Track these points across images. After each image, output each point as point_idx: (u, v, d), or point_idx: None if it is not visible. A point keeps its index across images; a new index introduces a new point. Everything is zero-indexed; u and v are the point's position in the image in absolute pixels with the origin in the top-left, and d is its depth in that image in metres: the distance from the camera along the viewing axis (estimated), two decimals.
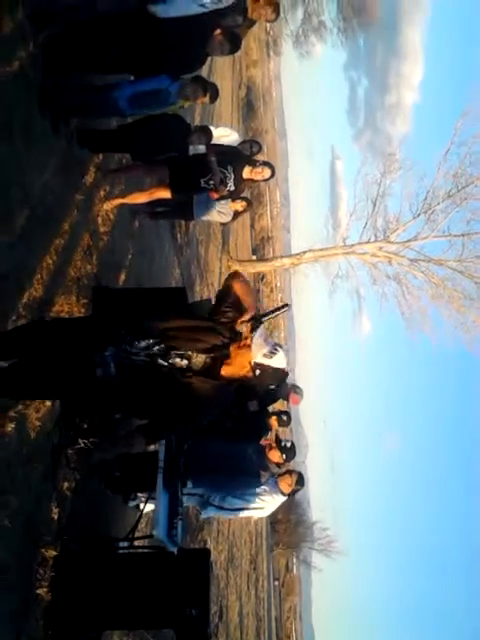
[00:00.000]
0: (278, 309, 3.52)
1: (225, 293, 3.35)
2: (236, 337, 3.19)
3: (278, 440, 5.32)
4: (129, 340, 3.06)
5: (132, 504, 5.06)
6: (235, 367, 3.16)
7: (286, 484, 5.37)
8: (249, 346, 3.16)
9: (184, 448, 4.63)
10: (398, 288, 18.31)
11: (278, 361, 3.25)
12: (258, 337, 3.20)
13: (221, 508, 5.26)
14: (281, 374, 3.27)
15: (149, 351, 3.07)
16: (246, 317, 3.24)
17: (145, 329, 3.11)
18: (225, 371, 3.15)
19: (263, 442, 5.63)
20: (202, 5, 4.22)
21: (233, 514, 5.37)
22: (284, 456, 5.32)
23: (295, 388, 6.18)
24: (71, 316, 4.40)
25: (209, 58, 5.17)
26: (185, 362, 3.06)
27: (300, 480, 5.47)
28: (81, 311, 4.66)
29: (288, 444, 5.32)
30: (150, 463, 5.13)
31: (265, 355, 3.20)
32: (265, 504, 5.38)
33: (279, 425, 5.40)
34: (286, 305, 3.60)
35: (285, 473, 5.45)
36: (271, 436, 5.61)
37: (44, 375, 3.07)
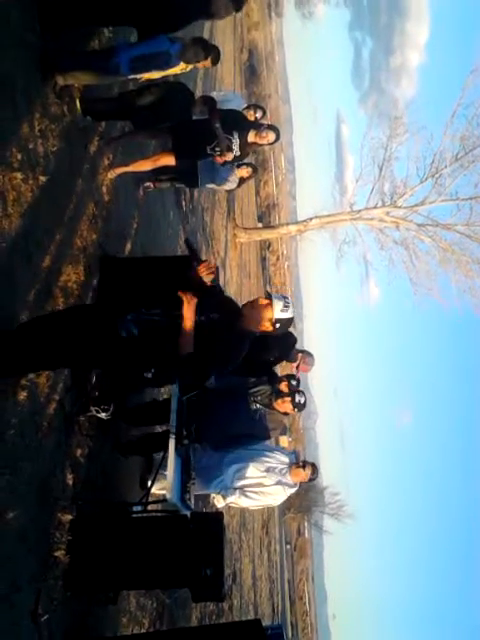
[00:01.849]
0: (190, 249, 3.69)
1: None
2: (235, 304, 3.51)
3: (293, 394, 5.33)
4: (145, 310, 3.33)
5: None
6: (257, 322, 3.41)
7: (300, 477, 5.44)
8: (265, 305, 3.39)
9: (194, 412, 4.67)
10: (406, 253, 18.23)
11: (291, 313, 3.45)
12: (275, 299, 3.41)
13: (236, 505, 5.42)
14: (291, 322, 3.63)
15: (166, 313, 3.32)
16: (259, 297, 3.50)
17: (158, 301, 3.34)
18: (247, 326, 3.41)
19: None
20: None
21: (248, 500, 5.43)
22: (295, 410, 5.37)
23: (306, 354, 6.18)
24: (80, 288, 4.42)
25: (211, 19, 5.05)
26: (203, 317, 3.30)
27: (314, 471, 5.53)
28: (89, 281, 4.68)
29: (302, 400, 5.34)
30: (157, 416, 5.24)
31: (282, 310, 3.40)
32: (276, 500, 5.57)
33: (289, 390, 5.42)
34: (187, 239, 3.81)
35: (299, 465, 5.49)
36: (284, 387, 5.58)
37: (65, 343, 3.16)
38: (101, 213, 5.16)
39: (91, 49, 4.88)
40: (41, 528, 3.47)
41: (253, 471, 5.35)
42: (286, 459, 5.53)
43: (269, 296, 3.43)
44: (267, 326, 3.41)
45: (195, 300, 3.25)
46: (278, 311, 3.38)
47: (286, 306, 3.42)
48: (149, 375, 3.32)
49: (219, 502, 5.43)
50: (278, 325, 3.41)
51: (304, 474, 5.44)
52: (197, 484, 4.84)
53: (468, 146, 16.68)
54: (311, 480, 5.60)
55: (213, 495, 5.49)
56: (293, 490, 5.52)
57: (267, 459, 5.47)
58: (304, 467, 5.45)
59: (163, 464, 4.44)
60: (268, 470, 5.39)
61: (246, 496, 5.34)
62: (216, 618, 7.79)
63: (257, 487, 5.37)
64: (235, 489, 5.32)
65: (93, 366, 4.07)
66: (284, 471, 5.43)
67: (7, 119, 3.61)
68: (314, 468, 5.54)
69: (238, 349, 3.43)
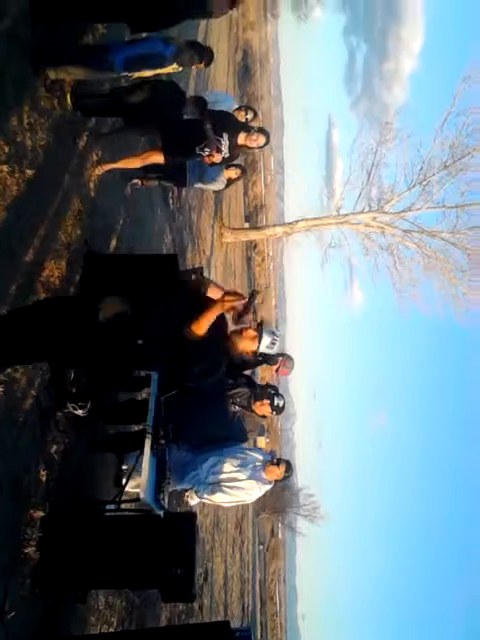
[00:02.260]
0: (251, 297, 3.66)
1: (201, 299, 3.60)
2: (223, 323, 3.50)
3: (271, 396, 5.34)
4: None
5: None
6: (239, 351, 3.57)
7: (274, 474, 5.43)
8: (253, 337, 3.53)
9: (171, 412, 4.66)
10: (390, 259, 18.30)
11: (276, 348, 3.48)
12: (265, 335, 3.53)
13: (210, 501, 5.39)
14: (272, 356, 3.65)
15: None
16: (251, 328, 3.64)
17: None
18: (228, 350, 3.51)
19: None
20: None
21: (223, 495, 5.43)
22: (274, 413, 5.38)
23: (286, 358, 6.19)
24: (62, 284, 4.40)
25: (206, 18, 5.05)
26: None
27: (288, 469, 5.51)
28: (72, 277, 4.65)
29: (281, 403, 5.35)
30: (134, 415, 5.21)
31: (268, 346, 3.42)
32: (251, 496, 5.50)
33: (273, 411, 5.42)
34: (253, 291, 3.80)
35: (273, 463, 5.50)
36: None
37: (44, 334, 3.14)
38: (87, 209, 5.14)
39: (85, 44, 4.85)
40: (12, 524, 3.44)
41: (228, 466, 5.33)
42: (261, 456, 5.54)
43: (260, 330, 3.44)
44: (248, 354, 3.45)
45: (227, 309, 3.26)
46: (264, 347, 3.42)
47: (273, 343, 3.46)
48: (140, 342, 3.32)
49: (192, 499, 5.42)
50: (260, 357, 3.46)
51: (278, 471, 5.43)
52: (171, 480, 4.83)
53: (457, 154, 16.79)
54: (285, 478, 5.59)
55: (187, 493, 5.47)
56: (268, 487, 5.51)
57: (242, 455, 5.49)
58: (278, 464, 5.46)
59: (138, 463, 4.43)
60: (242, 465, 5.39)
61: (221, 491, 5.31)
62: (186, 618, 7.79)
63: (231, 482, 5.35)
64: (209, 484, 5.30)
65: (73, 356, 3.97)
66: (258, 467, 5.44)
67: None
68: (288, 466, 5.54)
69: (217, 371, 3.45)
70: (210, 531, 12.04)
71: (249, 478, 5.36)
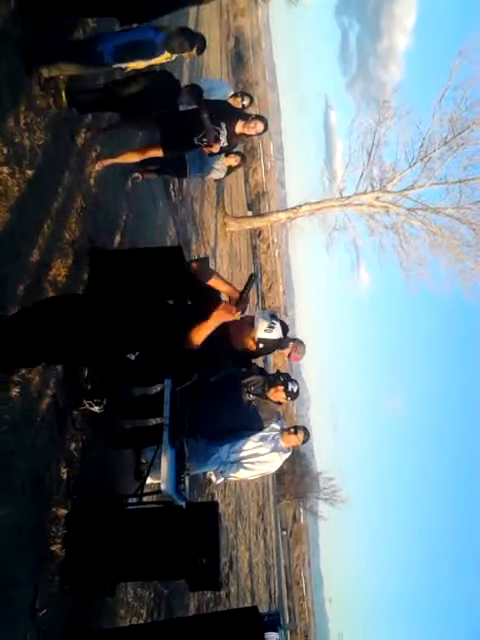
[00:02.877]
0: (249, 283, 3.59)
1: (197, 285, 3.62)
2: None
3: (285, 382, 5.36)
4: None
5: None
6: (241, 343, 3.45)
7: (292, 441, 5.47)
8: (248, 325, 3.41)
9: (187, 403, 4.67)
10: (396, 238, 18.23)
11: (276, 333, 3.44)
12: (258, 316, 3.45)
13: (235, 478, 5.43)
14: (278, 342, 3.58)
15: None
16: (234, 301, 3.40)
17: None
18: (229, 345, 3.44)
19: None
20: None
21: (246, 471, 5.46)
22: (288, 398, 5.40)
23: (297, 343, 6.17)
24: (70, 282, 4.40)
25: (195, 5, 5.01)
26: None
27: (306, 433, 5.58)
28: (79, 274, 4.66)
29: (295, 388, 5.37)
30: (150, 409, 5.23)
31: (266, 330, 3.44)
32: (273, 467, 5.59)
33: (288, 397, 5.42)
34: (252, 275, 3.70)
35: (290, 430, 5.52)
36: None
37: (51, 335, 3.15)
38: (89, 206, 5.13)
39: (75, 39, 4.82)
40: (36, 523, 3.47)
41: (248, 443, 5.37)
42: (277, 426, 5.57)
43: (250, 318, 3.43)
44: (251, 345, 3.42)
45: (234, 317, 3.24)
46: (262, 332, 3.38)
47: (271, 327, 3.42)
48: (132, 357, 3.32)
49: (217, 478, 5.46)
50: (262, 345, 3.42)
51: (296, 438, 5.49)
52: (192, 465, 4.85)
53: (457, 129, 16.65)
54: (303, 443, 5.65)
55: (210, 472, 5.51)
56: (287, 455, 5.57)
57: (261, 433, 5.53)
58: (296, 432, 5.51)
59: (157, 456, 4.45)
60: (262, 439, 5.42)
61: (244, 468, 5.36)
62: (214, 606, 7.85)
63: (254, 457, 5.39)
64: (232, 463, 5.33)
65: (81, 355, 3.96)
66: (277, 437, 5.47)
67: None
68: (305, 431, 5.60)
69: (219, 369, 3.46)
70: (232, 519, 12.11)
71: (271, 451, 5.41)
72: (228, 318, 3.22)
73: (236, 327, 3.40)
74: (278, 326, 3.53)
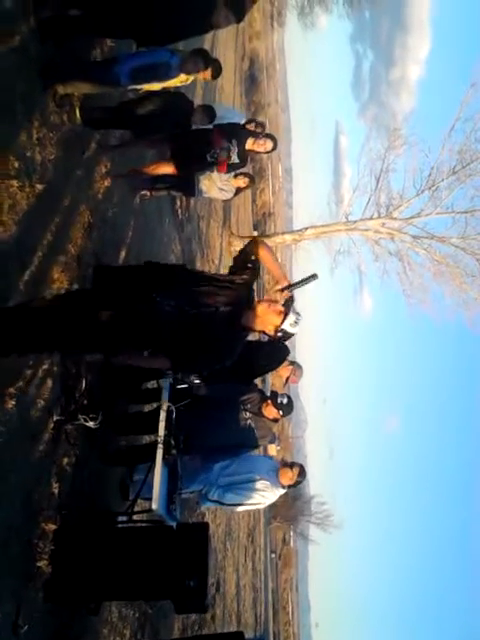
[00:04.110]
0: (307, 279, 3.64)
1: (245, 257, 3.61)
2: (251, 295, 3.49)
3: (274, 396, 5.33)
4: (159, 300, 3.28)
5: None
6: (262, 324, 3.43)
7: (287, 477, 5.38)
8: (280, 312, 3.39)
9: (183, 422, 4.65)
10: (400, 265, 18.26)
11: (297, 329, 3.49)
12: (291, 313, 3.43)
13: (220, 503, 5.31)
14: (290, 337, 3.66)
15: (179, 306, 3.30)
16: (280, 285, 3.54)
17: (172, 290, 3.33)
18: (250, 323, 3.42)
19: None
20: None
21: (232, 508, 5.39)
22: (280, 412, 5.35)
23: (296, 366, 6.18)
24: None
25: (212, 31, 5.08)
26: (211, 310, 3.32)
27: (302, 473, 5.45)
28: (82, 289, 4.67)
29: (284, 400, 5.32)
30: (146, 426, 5.20)
31: (291, 324, 3.43)
32: (264, 499, 5.41)
33: (279, 410, 5.39)
34: (314, 275, 3.70)
35: (287, 465, 5.47)
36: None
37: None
38: (96, 221, 5.16)
39: (92, 59, 4.88)
40: (24, 538, 3.45)
41: (240, 467, 5.30)
42: (273, 462, 5.52)
43: (287, 305, 3.44)
44: (270, 330, 3.43)
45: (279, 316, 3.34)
46: (287, 324, 3.41)
47: (297, 322, 3.45)
48: (146, 354, 3.33)
49: (199, 502, 5.39)
50: (280, 334, 3.43)
51: (291, 474, 5.39)
52: (183, 484, 4.82)
53: (465, 160, 16.75)
54: (298, 483, 5.54)
55: (194, 495, 5.43)
56: (281, 491, 5.46)
57: (254, 459, 5.47)
58: (291, 467, 5.43)
59: (150, 474, 4.43)
60: (255, 467, 5.36)
61: (231, 492, 5.24)
62: (198, 628, 7.76)
63: (244, 483, 5.32)
64: (220, 486, 5.24)
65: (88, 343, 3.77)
66: (272, 470, 5.41)
67: (6, 127, 3.62)
68: (302, 469, 5.49)
69: (235, 343, 3.45)
70: (222, 540, 12.01)
71: (262, 479, 5.33)
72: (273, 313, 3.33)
73: (267, 308, 3.40)
74: (299, 323, 3.54)
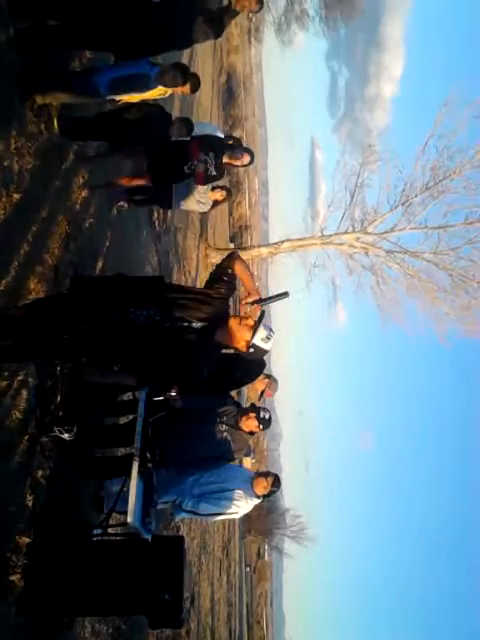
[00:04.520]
0: (278, 296, 3.67)
1: (222, 271, 3.64)
2: (226, 310, 3.54)
3: (257, 410, 5.33)
4: (132, 310, 3.30)
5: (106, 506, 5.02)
6: (233, 339, 3.45)
7: (262, 486, 5.37)
8: (251, 326, 3.41)
9: (159, 435, 4.62)
10: (374, 279, 18.43)
11: (270, 345, 3.51)
12: (262, 328, 3.45)
13: (194, 513, 5.28)
14: (264, 353, 3.66)
15: (151, 317, 3.32)
16: (251, 299, 3.59)
17: (146, 300, 3.35)
18: (223, 339, 3.46)
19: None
20: None
21: (206, 519, 5.37)
22: (260, 426, 5.34)
23: (271, 380, 6.18)
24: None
25: (191, 46, 5.12)
26: (185, 324, 3.35)
27: (276, 482, 5.44)
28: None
29: (267, 415, 5.33)
30: (121, 438, 5.16)
31: (263, 340, 3.44)
32: (239, 508, 5.37)
33: (260, 424, 5.39)
34: (285, 293, 3.73)
35: (261, 475, 5.47)
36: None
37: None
38: (73, 231, 5.14)
39: (71, 69, 4.89)
40: None
41: (214, 477, 5.28)
42: (247, 472, 5.50)
43: (258, 320, 3.46)
44: (242, 346, 3.44)
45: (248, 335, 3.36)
46: (258, 339, 3.41)
47: (268, 338, 3.46)
48: (116, 368, 3.33)
49: (174, 514, 5.35)
50: (252, 349, 3.44)
51: (266, 483, 5.36)
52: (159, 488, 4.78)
53: (438, 176, 17.02)
54: (272, 492, 5.51)
55: (170, 504, 5.39)
56: (256, 501, 5.42)
57: (228, 469, 5.45)
58: (266, 477, 5.41)
59: (125, 487, 4.39)
60: (229, 476, 5.34)
61: (206, 501, 5.19)
62: None
63: (218, 492, 5.29)
64: (194, 496, 5.20)
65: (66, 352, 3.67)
66: (248, 481, 5.38)
67: None
68: (276, 479, 5.46)
69: (206, 360, 3.47)
70: (196, 554, 11.92)
71: (236, 488, 5.30)
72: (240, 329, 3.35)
73: (239, 324, 3.42)
74: (273, 340, 3.56)
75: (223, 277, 3.60)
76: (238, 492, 5.29)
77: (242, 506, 5.36)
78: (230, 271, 3.62)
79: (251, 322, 3.41)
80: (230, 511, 5.36)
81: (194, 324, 3.37)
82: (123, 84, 4.68)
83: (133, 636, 5.72)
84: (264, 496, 5.47)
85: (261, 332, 3.41)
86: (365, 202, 18.48)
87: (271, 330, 3.52)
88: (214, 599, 14.84)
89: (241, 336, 3.41)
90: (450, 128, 16.94)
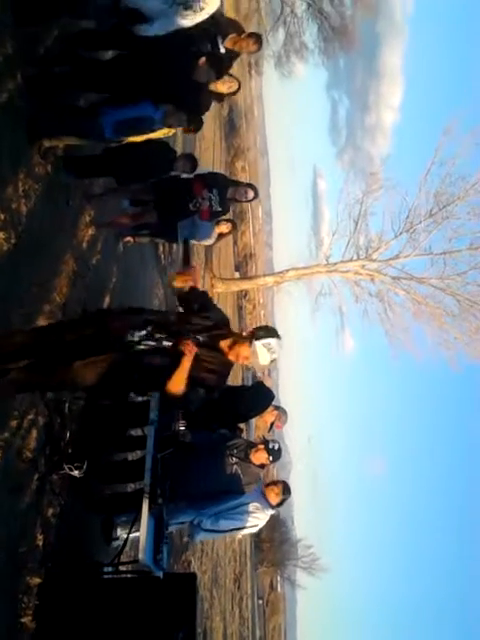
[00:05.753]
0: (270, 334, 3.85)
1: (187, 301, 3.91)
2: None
3: (266, 442, 5.33)
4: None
5: (115, 544, 5.01)
6: (236, 358, 3.64)
7: (274, 494, 5.36)
8: (246, 340, 3.66)
9: (168, 471, 4.62)
10: (380, 306, 18.48)
11: (275, 354, 3.78)
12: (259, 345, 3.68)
13: (214, 531, 5.26)
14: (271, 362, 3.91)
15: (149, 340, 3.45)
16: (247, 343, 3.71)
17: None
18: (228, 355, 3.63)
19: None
20: (183, 17, 4.26)
21: (225, 534, 5.36)
22: (270, 458, 5.33)
23: (281, 412, 6.17)
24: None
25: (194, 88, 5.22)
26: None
27: (286, 489, 5.45)
28: None
29: (276, 446, 5.34)
30: (131, 474, 5.16)
31: (268, 349, 3.73)
32: (258, 521, 5.38)
33: (270, 455, 5.39)
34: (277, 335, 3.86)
35: (271, 484, 5.46)
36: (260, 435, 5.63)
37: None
38: (81, 269, 5.21)
39: (77, 113, 4.99)
40: (8, 593, 3.38)
41: (228, 498, 5.28)
42: (257, 485, 5.50)
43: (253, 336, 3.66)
44: (243, 361, 3.66)
45: (194, 351, 3.40)
46: (262, 357, 3.67)
47: (270, 349, 3.65)
48: (135, 376, 3.45)
49: (193, 535, 5.33)
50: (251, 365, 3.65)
51: (277, 490, 5.36)
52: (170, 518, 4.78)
53: (442, 202, 17.16)
54: (284, 500, 5.49)
55: (185, 529, 5.38)
56: (271, 511, 5.42)
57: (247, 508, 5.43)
58: (275, 485, 5.42)
59: (136, 524, 4.38)
60: (243, 499, 5.33)
61: (224, 518, 5.18)
62: None
63: (236, 508, 5.27)
64: (211, 515, 5.18)
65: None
66: (258, 493, 5.37)
67: None
68: (285, 485, 5.46)
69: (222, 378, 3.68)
70: (208, 588, 11.76)
71: (251, 502, 5.29)
72: (189, 357, 3.40)
73: (231, 342, 3.62)
74: (276, 346, 3.77)
75: (193, 303, 3.82)
76: (254, 505, 5.30)
77: (261, 518, 5.37)
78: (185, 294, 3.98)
79: (244, 340, 3.62)
80: (249, 524, 5.36)
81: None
82: (128, 127, 4.78)
83: None
84: (277, 505, 5.47)
85: (260, 349, 3.60)
86: (369, 229, 18.66)
87: (269, 342, 3.68)
88: (227, 634, 14.57)
89: (243, 357, 3.60)
90: (451, 155, 17.15)
